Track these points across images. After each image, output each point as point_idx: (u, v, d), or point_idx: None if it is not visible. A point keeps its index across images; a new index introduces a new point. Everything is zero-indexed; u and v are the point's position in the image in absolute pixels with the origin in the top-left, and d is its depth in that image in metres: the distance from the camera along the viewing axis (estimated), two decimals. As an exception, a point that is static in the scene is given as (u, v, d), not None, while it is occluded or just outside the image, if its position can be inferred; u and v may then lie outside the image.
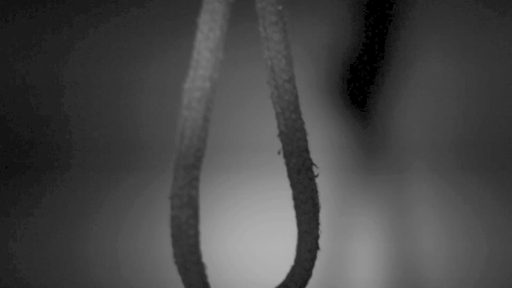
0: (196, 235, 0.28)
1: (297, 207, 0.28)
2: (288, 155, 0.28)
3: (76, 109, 0.63)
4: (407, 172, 0.60)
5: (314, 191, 0.28)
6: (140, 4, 0.62)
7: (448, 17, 0.60)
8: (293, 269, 0.28)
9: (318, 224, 0.28)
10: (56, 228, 0.63)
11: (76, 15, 0.62)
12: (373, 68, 0.60)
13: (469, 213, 0.61)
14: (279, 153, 0.28)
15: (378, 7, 0.60)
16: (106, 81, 0.62)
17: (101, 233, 0.63)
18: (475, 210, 0.61)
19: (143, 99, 0.62)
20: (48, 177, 0.63)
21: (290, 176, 0.28)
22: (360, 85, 0.60)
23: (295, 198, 0.28)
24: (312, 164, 0.28)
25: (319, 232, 0.28)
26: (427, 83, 0.61)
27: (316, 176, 0.28)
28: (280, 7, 0.28)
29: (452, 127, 0.61)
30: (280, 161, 0.28)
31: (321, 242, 0.28)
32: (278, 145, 0.28)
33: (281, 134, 0.28)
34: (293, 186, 0.28)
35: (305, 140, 0.28)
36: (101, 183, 0.62)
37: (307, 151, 0.28)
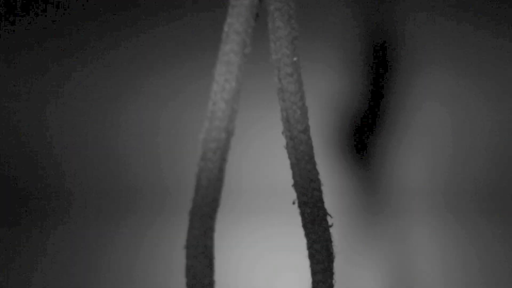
0: (211, 284, 0.28)
1: (311, 256, 0.28)
2: (302, 205, 0.28)
3: (71, 154, 0.63)
4: (409, 214, 0.61)
5: (328, 241, 0.28)
6: (130, 41, 0.62)
7: (447, 66, 0.61)
8: None
9: (332, 273, 0.28)
10: (56, 274, 0.63)
11: (66, 54, 0.62)
12: (375, 115, 0.61)
13: (471, 254, 0.61)
14: (293, 203, 0.29)
15: (380, 55, 0.60)
16: (102, 123, 0.62)
17: (101, 277, 0.62)
18: (477, 252, 0.61)
19: (140, 142, 0.62)
20: (46, 224, 0.62)
21: (304, 226, 0.28)
22: (363, 131, 0.61)
23: (309, 247, 0.28)
24: (326, 214, 0.28)
25: (334, 281, 0.28)
26: (426, 129, 0.61)
27: (331, 226, 0.28)
28: (295, 59, 0.28)
29: (451, 170, 0.61)
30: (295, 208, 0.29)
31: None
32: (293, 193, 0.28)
33: (296, 185, 0.28)
34: (307, 235, 0.28)
35: (320, 191, 0.28)
36: (100, 227, 0.62)
37: (321, 201, 0.28)
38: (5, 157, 0.62)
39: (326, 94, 0.60)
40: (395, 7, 0.61)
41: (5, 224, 0.62)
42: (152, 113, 0.62)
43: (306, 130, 0.28)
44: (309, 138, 0.28)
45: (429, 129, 0.61)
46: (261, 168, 0.60)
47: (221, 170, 0.28)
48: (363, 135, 0.61)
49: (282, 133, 0.29)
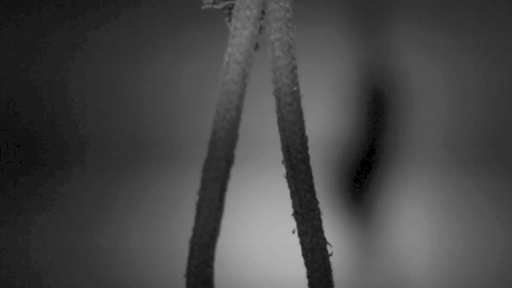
0: (211, 314, 0.28)
1: (311, 285, 0.28)
2: (302, 234, 0.28)
3: (84, 106, 0.63)
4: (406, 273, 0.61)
5: (328, 270, 0.28)
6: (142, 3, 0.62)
7: (444, 114, 0.61)
8: None
9: (332, 303, 0.28)
10: (68, 225, 0.63)
11: (78, 15, 0.62)
12: (372, 154, 0.61)
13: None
14: (293, 232, 0.29)
15: (375, 97, 0.61)
16: (114, 77, 0.63)
17: (114, 229, 0.63)
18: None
19: (152, 95, 0.63)
20: (59, 174, 0.63)
21: (304, 255, 0.28)
22: (362, 163, 0.61)
23: (309, 276, 0.28)
24: (326, 243, 0.28)
25: (333, 310, 0.28)
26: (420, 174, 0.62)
27: (330, 255, 0.28)
28: (295, 88, 0.28)
29: (449, 209, 0.62)
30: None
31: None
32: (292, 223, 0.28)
33: (296, 214, 0.28)
34: (307, 264, 0.28)
35: (320, 220, 0.28)
36: (113, 178, 0.63)
37: (321, 230, 0.28)
38: (20, 108, 0.63)
39: (326, 125, 0.61)
40: (396, 44, 0.61)
41: (19, 173, 0.63)
42: (168, 68, 0.62)
43: (306, 159, 0.28)
44: (309, 168, 0.28)
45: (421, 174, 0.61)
46: (260, 196, 0.61)
47: (221, 200, 0.28)
48: (362, 167, 0.61)
49: (282, 162, 0.29)
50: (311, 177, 0.28)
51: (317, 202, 0.29)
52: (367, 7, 0.61)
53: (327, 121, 0.61)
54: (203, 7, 0.29)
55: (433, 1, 0.61)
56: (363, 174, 0.61)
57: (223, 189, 0.28)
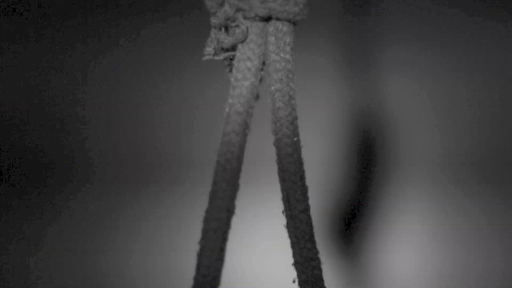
0: None
1: None
2: (303, 283, 0.29)
3: (92, 124, 0.64)
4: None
5: (328, 319, 0.28)
6: (158, 23, 0.63)
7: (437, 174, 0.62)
8: None
9: None
10: (75, 242, 0.63)
11: (95, 33, 0.63)
12: (367, 173, 0.62)
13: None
14: (294, 281, 0.29)
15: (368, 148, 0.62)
16: (122, 96, 0.63)
17: (119, 247, 0.63)
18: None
19: (162, 114, 0.63)
20: (66, 192, 0.63)
21: None
22: (354, 192, 0.62)
23: None
24: (326, 292, 0.29)
25: None
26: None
27: (330, 303, 0.29)
28: (295, 139, 0.29)
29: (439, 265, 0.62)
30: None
31: None
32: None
33: (296, 263, 0.29)
34: None
35: (320, 269, 0.29)
36: (120, 196, 0.63)
37: (321, 280, 0.29)
38: (30, 125, 0.63)
39: (319, 151, 0.61)
40: (388, 67, 0.62)
41: (27, 190, 0.63)
42: (177, 88, 0.63)
43: (306, 209, 0.29)
44: (309, 218, 0.29)
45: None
46: (260, 248, 0.61)
47: (222, 249, 0.28)
48: (358, 187, 0.61)
49: (283, 212, 0.29)
50: (311, 227, 0.29)
51: (317, 252, 0.29)
52: (355, 31, 0.62)
53: (319, 146, 0.62)
54: (204, 58, 0.29)
55: (420, 25, 0.62)
56: (358, 195, 0.61)
57: (223, 239, 0.28)
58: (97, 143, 0.63)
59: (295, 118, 0.29)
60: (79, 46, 0.63)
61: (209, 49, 0.29)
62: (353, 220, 0.60)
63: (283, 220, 0.29)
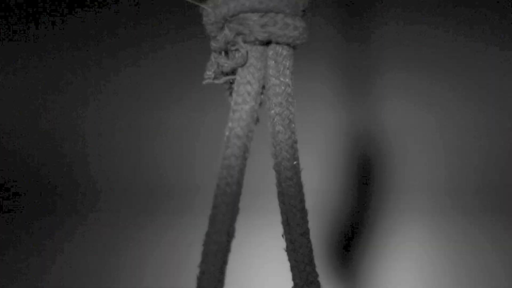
0: None
1: None
2: (302, 307, 0.29)
3: (98, 153, 0.64)
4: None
5: None
6: (159, 49, 0.63)
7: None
8: None
9: None
10: (82, 270, 0.63)
11: (97, 61, 0.63)
12: (371, 202, 0.62)
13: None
14: (293, 305, 0.29)
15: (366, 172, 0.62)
16: (129, 125, 0.63)
17: (126, 275, 0.63)
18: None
19: (165, 142, 0.63)
20: (74, 220, 0.63)
21: None
22: (356, 220, 0.62)
23: None
24: (326, 315, 0.29)
25: None
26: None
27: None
28: (295, 162, 0.29)
29: None
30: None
31: None
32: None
33: (296, 286, 0.29)
34: None
35: (319, 293, 0.29)
36: (126, 225, 0.63)
37: (321, 303, 0.29)
38: (38, 155, 0.63)
39: (321, 173, 0.61)
40: (393, 94, 0.62)
41: (35, 218, 0.63)
42: (184, 117, 0.63)
43: (305, 233, 0.29)
44: (309, 241, 0.29)
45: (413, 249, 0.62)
46: (260, 271, 0.61)
47: (222, 272, 0.28)
48: (360, 215, 0.62)
49: (282, 235, 0.29)
50: (311, 250, 0.29)
51: (316, 275, 0.29)
52: (354, 56, 0.62)
53: (319, 169, 0.62)
54: (204, 82, 0.29)
55: (418, 50, 0.62)
56: (359, 219, 0.61)
57: (223, 262, 0.28)
58: (103, 171, 0.63)
59: (295, 142, 0.29)
60: (83, 72, 0.63)
61: (209, 73, 0.29)
62: (353, 245, 0.60)
63: (282, 243, 0.29)
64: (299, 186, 0.29)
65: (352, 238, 0.61)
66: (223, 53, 0.29)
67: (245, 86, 0.29)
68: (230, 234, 0.28)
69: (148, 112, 0.63)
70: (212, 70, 0.29)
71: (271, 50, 0.29)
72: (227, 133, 0.29)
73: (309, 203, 0.29)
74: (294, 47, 0.29)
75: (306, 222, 0.29)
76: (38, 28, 0.63)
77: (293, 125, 0.29)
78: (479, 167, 0.62)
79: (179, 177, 0.63)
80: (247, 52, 0.29)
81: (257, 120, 0.29)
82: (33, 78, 0.64)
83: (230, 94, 0.29)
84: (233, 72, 0.29)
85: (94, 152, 0.64)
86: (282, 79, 0.29)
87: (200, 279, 0.28)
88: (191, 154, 0.63)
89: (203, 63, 0.29)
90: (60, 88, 0.64)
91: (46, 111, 0.64)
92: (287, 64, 0.29)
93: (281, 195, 0.29)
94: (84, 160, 0.63)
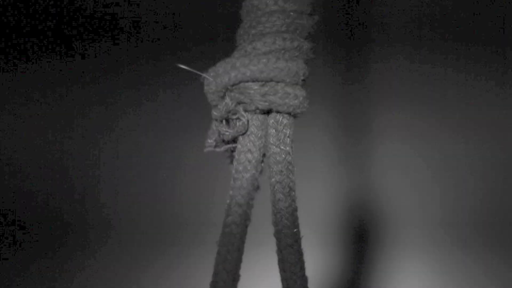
0: None
1: None
2: None
3: (110, 188, 0.64)
4: None
5: None
6: (177, 86, 0.64)
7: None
8: None
9: None
10: None
11: (112, 98, 0.64)
12: (370, 235, 0.62)
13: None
14: None
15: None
16: (140, 159, 0.64)
17: None
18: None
19: (175, 177, 0.64)
20: (85, 254, 0.64)
21: None
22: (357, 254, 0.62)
23: None
24: None
25: None
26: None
27: None
28: (295, 230, 0.29)
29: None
30: None
31: None
32: None
33: None
34: None
35: None
36: (137, 259, 0.63)
37: None
38: (50, 190, 0.64)
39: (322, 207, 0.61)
40: (391, 132, 0.63)
41: (46, 252, 0.63)
42: (193, 151, 0.63)
43: (306, 300, 0.29)
44: (310, 308, 0.29)
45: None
46: None
47: None
48: (361, 249, 0.62)
49: (283, 303, 0.29)
50: (311, 317, 0.29)
51: None
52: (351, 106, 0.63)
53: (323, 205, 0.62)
54: (205, 150, 0.30)
55: (415, 90, 0.63)
56: (362, 256, 0.61)
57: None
58: (114, 206, 0.64)
59: (295, 210, 0.29)
60: (97, 108, 0.64)
61: (210, 141, 0.30)
62: (354, 280, 0.60)
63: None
64: (299, 253, 0.29)
65: (352, 273, 0.60)
66: (224, 121, 0.29)
67: (246, 154, 0.29)
68: None
69: (159, 148, 0.63)
70: (213, 138, 0.30)
71: (271, 119, 0.29)
72: (228, 201, 0.29)
73: (309, 269, 0.29)
74: (294, 116, 0.30)
75: (307, 290, 0.29)
76: (52, 68, 0.65)
77: (293, 193, 0.29)
78: (475, 202, 0.62)
79: (189, 212, 0.63)
80: (248, 121, 0.29)
81: (258, 187, 0.29)
82: (44, 117, 0.65)
83: (231, 162, 0.30)
84: (234, 140, 0.30)
85: (105, 187, 0.64)
86: (282, 147, 0.29)
87: None
88: (200, 189, 0.63)
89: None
90: (73, 124, 0.65)
91: (58, 148, 0.64)
92: (288, 132, 0.29)
93: (282, 262, 0.29)
94: (95, 195, 0.64)
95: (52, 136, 0.65)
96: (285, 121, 0.29)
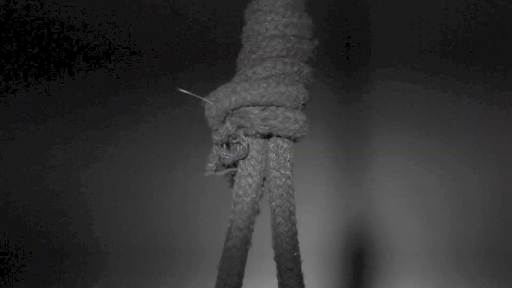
0: None
1: None
2: None
3: (105, 217, 0.64)
4: None
5: None
6: (163, 113, 0.64)
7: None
8: None
9: None
10: None
11: (101, 123, 0.64)
12: (372, 262, 0.62)
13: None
14: None
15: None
16: (133, 188, 0.64)
17: None
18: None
19: (170, 205, 0.63)
20: (81, 284, 0.63)
21: None
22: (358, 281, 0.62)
23: None
24: None
25: None
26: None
27: None
28: (295, 254, 0.29)
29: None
30: None
31: None
32: None
33: None
34: None
35: None
36: (133, 285, 0.63)
37: None
38: (44, 219, 0.64)
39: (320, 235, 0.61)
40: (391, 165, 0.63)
41: (44, 281, 0.63)
42: (188, 178, 0.63)
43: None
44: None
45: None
46: None
47: None
48: (363, 275, 0.62)
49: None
50: None
51: None
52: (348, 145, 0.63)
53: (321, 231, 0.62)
54: (206, 174, 0.30)
55: (420, 112, 0.63)
56: (362, 282, 0.61)
57: None
58: (108, 235, 0.64)
59: (295, 234, 0.29)
60: (87, 136, 0.64)
61: (210, 165, 0.30)
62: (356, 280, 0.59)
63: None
64: (300, 277, 0.29)
65: (355, 275, 0.60)
66: (224, 145, 0.29)
67: (246, 178, 0.29)
68: None
69: (152, 175, 0.63)
70: (214, 162, 0.30)
71: (272, 143, 0.29)
72: (228, 225, 0.29)
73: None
74: (294, 140, 0.30)
75: (307, 314, 0.29)
76: (47, 92, 0.65)
77: (293, 217, 0.29)
78: (480, 230, 0.62)
79: (184, 239, 0.63)
80: (248, 145, 0.29)
81: (258, 211, 0.29)
82: (34, 144, 0.65)
83: (231, 186, 0.30)
84: (235, 164, 0.30)
85: (100, 216, 0.64)
86: (283, 171, 0.29)
87: None
88: (196, 215, 0.63)
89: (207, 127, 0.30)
90: (64, 150, 0.65)
91: (49, 176, 0.64)
92: (288, 156, 0.29)
93: (282, 286, 0.29)
94: (89, 224, 0.64)
95: (46, 163, 0.65)
96: (285, 145, 0.29)
